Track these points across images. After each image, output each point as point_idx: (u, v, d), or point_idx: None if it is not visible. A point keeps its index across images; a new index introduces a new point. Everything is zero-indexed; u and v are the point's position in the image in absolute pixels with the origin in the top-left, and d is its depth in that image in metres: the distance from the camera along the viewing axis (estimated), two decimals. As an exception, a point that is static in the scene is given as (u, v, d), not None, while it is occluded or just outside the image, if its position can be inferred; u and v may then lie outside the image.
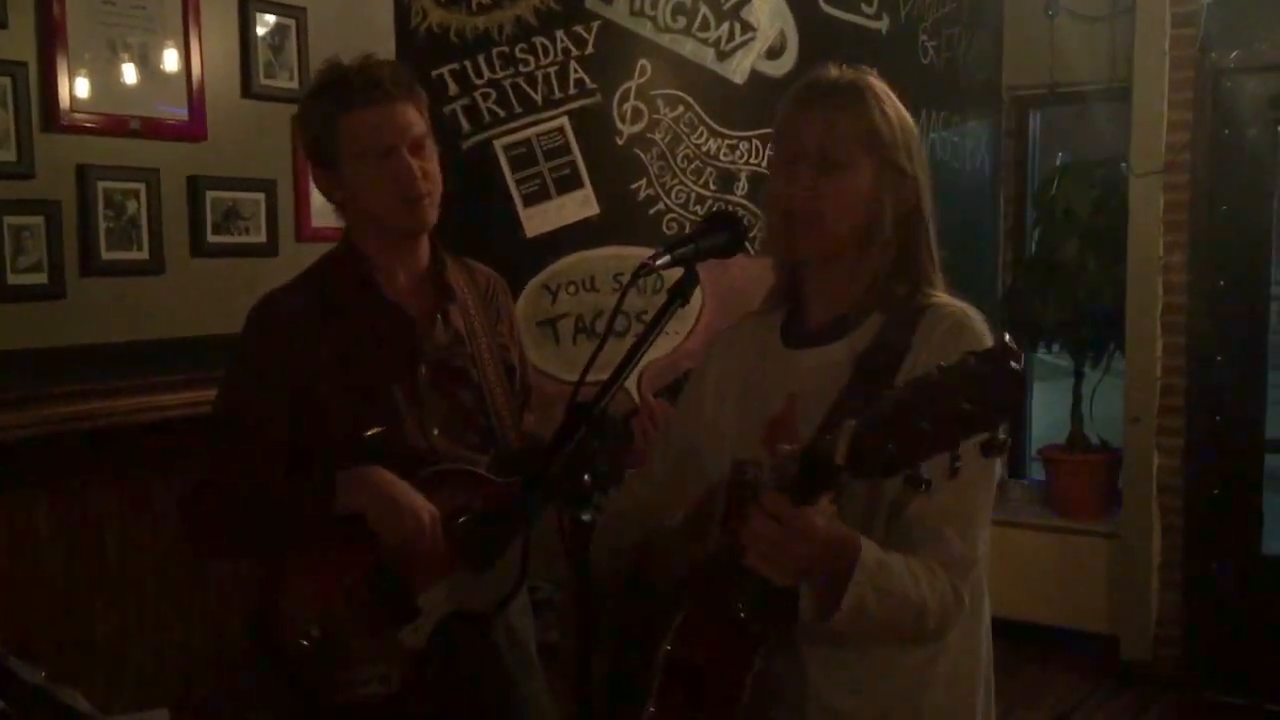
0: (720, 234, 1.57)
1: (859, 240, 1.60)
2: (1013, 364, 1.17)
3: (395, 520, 1.88)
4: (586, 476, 1.31)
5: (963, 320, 1.58)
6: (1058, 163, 5.23)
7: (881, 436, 1.23)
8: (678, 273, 1.55)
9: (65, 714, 1.07)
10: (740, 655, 1.52)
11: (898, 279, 1.61)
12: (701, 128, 3.77)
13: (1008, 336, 1.20)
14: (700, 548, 1.60)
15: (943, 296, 1.63)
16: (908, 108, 1.68)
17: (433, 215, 2.05)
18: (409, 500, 1.90)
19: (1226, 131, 4.50)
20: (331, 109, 2.00)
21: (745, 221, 1.62)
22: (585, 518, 1.30)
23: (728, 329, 1.86)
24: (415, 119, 2.02)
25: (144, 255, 2.90)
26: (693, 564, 1.60)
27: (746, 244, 1.64)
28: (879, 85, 1.64)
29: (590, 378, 1.51)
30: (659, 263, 1.45)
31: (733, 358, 1.78)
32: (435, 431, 2.04)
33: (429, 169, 2.02)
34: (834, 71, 1.64)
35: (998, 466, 1.58)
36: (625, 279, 3.59)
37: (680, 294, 1.47)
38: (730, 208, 3.66)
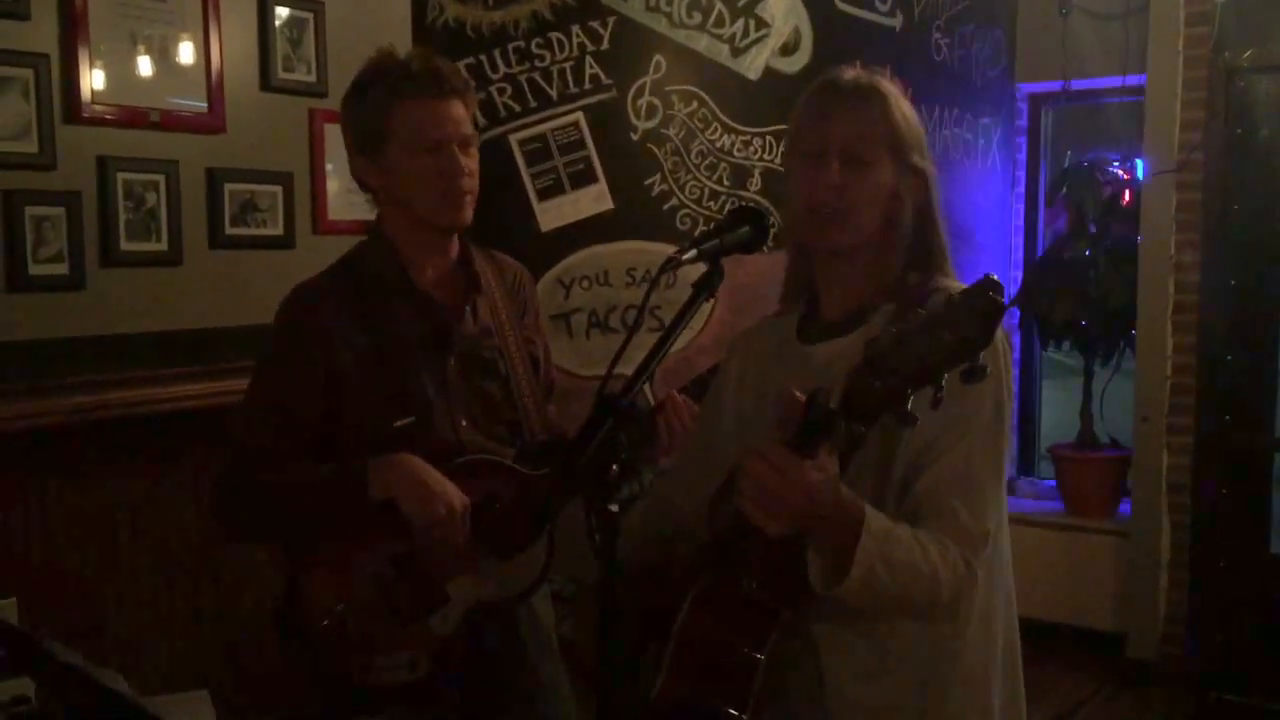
0: (744, 229, 1.58)
1: (879, 236, 1.64)
2: (992, 294, 1.21)
3: (427, 507, 1.90)
4: (614, 468, 1.32)
5: None
6: (1069, 161, 5.23)
7: (870, 377, 1.27)
8: (692, 268, 1.56)
9: (106, 696, 1.08)
10: (753, 632, 1.53)
11: (911, 270, 1.65)
12: (715, 124, 3.78)
13: (994, 275, 1.24)
14: (715, 527, 1.62)
15: (952, 282, 1.66)
16: (921, 104, 1.71)
17: (469, 214, 2.07)
18: (441, 487, 1.92)
19: (1240, 131, 4.49)
20: (389, 95, 2.01)
21: (768, 217, 1.63)
22: (612, 508, 1.32)
23: (746, 329, 1.88)
24: (466, 118, 2.05)
25: (163, 246, 2.92)
26: (707, 540, 1.62)
27: (765, 242, 1.65)
28: (892, 86, 1.68)
29: (601, 371, 1.53)
30: (685, 257, 1.46)
31: (750, 357, 1.81)
32: (463, 422, 2.06)
33: (473, 168, 2.05)
34: (851, 72, 1.67)
35: (1005, 443, 1.59)
36: (639, 274, 3.62)
37: (706, 288, 1.48)
38: (745, 203, 3.67)
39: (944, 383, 1.25)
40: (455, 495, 1.92)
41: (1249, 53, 4.42)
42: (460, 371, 2.08)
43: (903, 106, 1.65)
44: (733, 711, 1.52)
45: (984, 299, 1.21)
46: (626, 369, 1.49)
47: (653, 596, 1.69)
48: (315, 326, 2.01)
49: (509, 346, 2.14)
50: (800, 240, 1.70)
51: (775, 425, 1.43)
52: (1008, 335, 1.63)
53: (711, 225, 1.62)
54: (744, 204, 2.22)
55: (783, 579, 1.53)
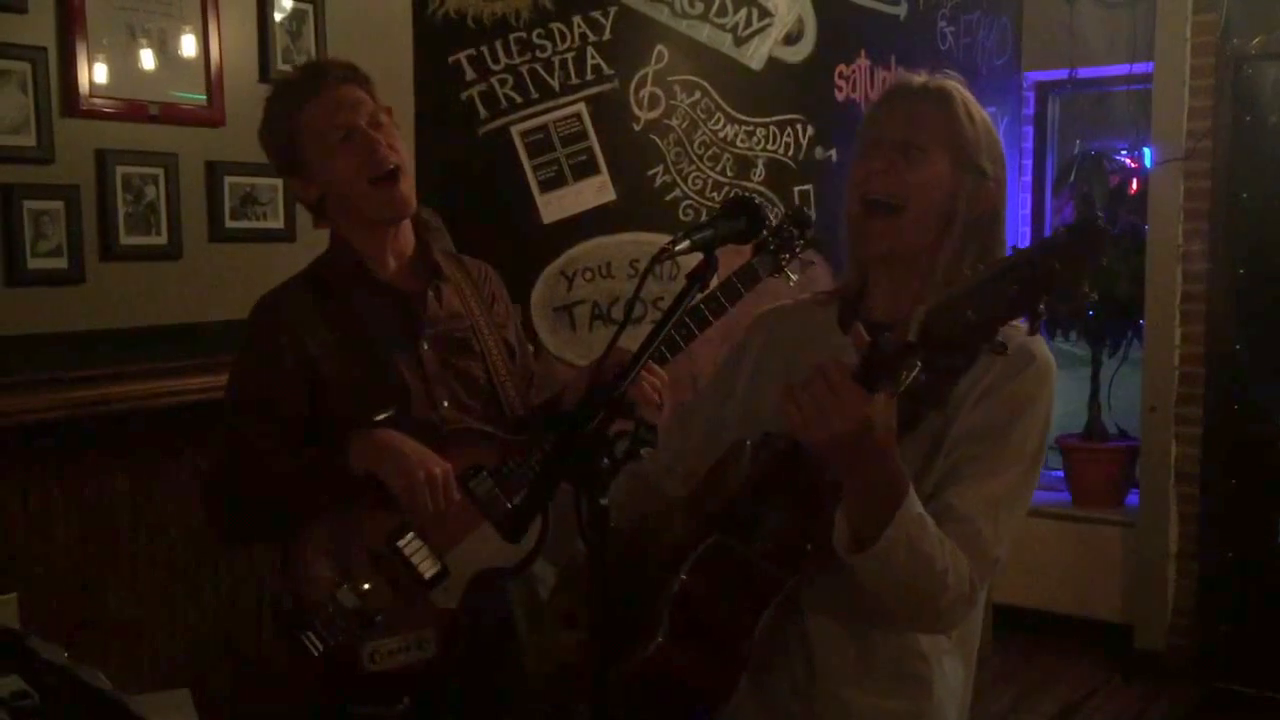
0: (739, 219, 1.56)
1: (931, 236, 1.60)
2: (1099, 224, 1.17)
3: (407, 475, 1.91)
4: (605, 460, 1.31)
5: (1046, 370, 1.59)
6: (1077, 149, 5.21)
7: (960, 307, 1.22)
8: (693, 259, 1.55)
9: (88, 693, 1.08)
10: (753, 599, 1.52)
11: None
12: (718, 114, 3.76)
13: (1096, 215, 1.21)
14: (714, 502, 1.60)
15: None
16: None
17: (408, 200, 2.08)
18: (418, 454, 1.93)
19: (1248, 119, 4.47)
20: (286, 108, 2.07)
21: (764, 208, 1.61)
22: (603, 501, 1.31)
23: (773, 309, 1.86)
24: (365, 98, 2.07)
25: (162, 240, 2.91)
26: (715, 503, 1.61)
27: (762, 232, 1.63)
28: (964, 91, 1.66)
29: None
30: (678, 248, 1.45)
31: (779, 338, 1.79)
32: (444, 403, 2.09)
33: (394, 143, 2.06)
34: (920, 77, 1.66)
35: (1038, 474, 1.58)
36: (642, 265, 3.60)
37: (700, 279, 1.46)
38: (747, 194, 3.65)
39: (1042, 309, 1.20)
40: (434, 461, 1.94)
41: (1257, 39, 4.39)
42: (435, 354, 2.10)
43: (969, 108, 1.63)
44: (722, 682, 1.52)
45: (1092, 227, 1.18)
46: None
47: (626, 568, 1.68)
48: (281, 323, 2.05)
49: (481, 328, 2.17)
50: (851, 242, 1.66)
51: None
52: (1054, 363, 1.61)
53: (703, 217, 1.62)
54: (738, 195, 2.21)
55: (793, 544, 1.52)
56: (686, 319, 2.09)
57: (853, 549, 1.42)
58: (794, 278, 2.19)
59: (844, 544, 1.43)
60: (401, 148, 2.08)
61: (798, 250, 2.17)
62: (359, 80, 2.09)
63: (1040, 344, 1.59)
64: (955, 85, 1.65)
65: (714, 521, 1.58)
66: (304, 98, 2.05)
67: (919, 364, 1.27)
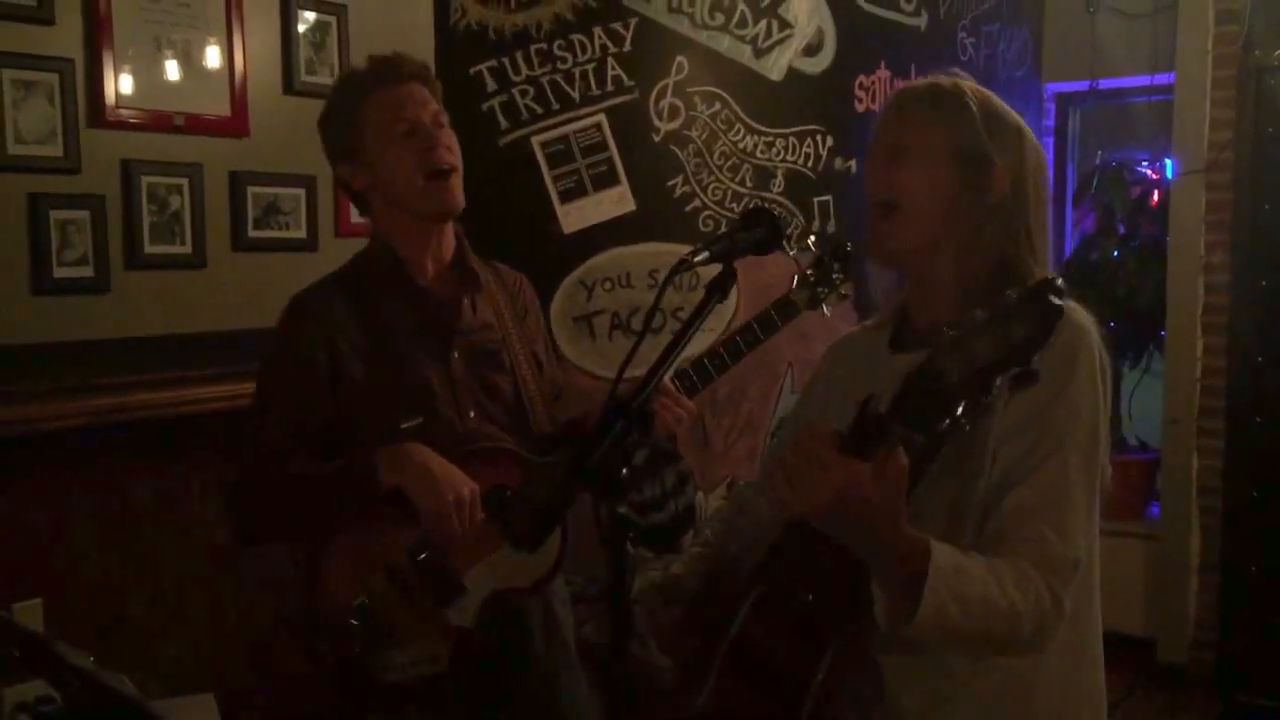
0: (757, 230, 1.57)
1: (946, 236, 1.59)
2: (1050, 297, 1.16)
3: (435, 495, 1.91)
4: (624, 471, 1.32)
5: (1080, 334, 1.50)
6: (1098, 161, 5.19)
7: (927, 380, 1.23)
8: (713, 269, 1.55)
9: (113, 698, 1.09)
10: (808, 650, 1.48)
11: (1003, 281, 1.53)
12: (738, 125, 3.76)
13: (1055, 276, 1.20)
14: (770, 545, 1.59)
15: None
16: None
17: (459, 198, 2.10)
18: (448, 474, 1.93)
19: (1270, 130, 4.44)
20: (353, 97, 2.09)
21: (782, 218, 1.62)
22: (621, 511, 1.31)
23: (844, 336, 1.86)
24: (431, 98, 2.11)
25: (186, 250, 2.94)
26: (769, 548, 1.59)
27: (785, 243, 1.64)
28: (961, 84, 1.63)
29: (628, 374, 1.52)
30: (697, 259, 1.45)
31: (842, 367, 1.79)
32: (471, 414, 2.09)
33: (452, 145, 2.09)
34: (920, 81, 1.66)
35: (1100, 459, 1.50)
36: (661, 276, 3.61)
37: (718, 289, 1.47)
38: (767, 205, 3.65)
39: (995, 388, 1.20)
40: (463, 482, 1.94)
41: (1279, 51, 4.37)
42: (465, 364, 2.11)
43: (964, 99, 1.60)
44: None
45: (1042, 301, 1.17)
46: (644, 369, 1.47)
47: (704, 607, 1.68)
48: (314, 325, 2.05)
49: (512, 341, 2.17)
50: (865, 249, 1.66)
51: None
52: (1104, 346, 1.52)
53: (722, 228, 1.62)
54: (757, 205, 2.21)
55: (838, 595, 1.48)
56: (722, 351, 2.09)
57: (896, 619, 1.37)
58: (828, 311, 2.18)
59: (885, 616, 1.38)
60: (458, 151, 2.11)
61: (837, 283, 2.17)
62: (428, 80, 2.13)
63: (1071, 308, 1.47)
64: (953, 81, 1.63)
65: (762, 569, 1.56)
66: (373, 88, 2.08)
67: (912, 425, 1.27)
